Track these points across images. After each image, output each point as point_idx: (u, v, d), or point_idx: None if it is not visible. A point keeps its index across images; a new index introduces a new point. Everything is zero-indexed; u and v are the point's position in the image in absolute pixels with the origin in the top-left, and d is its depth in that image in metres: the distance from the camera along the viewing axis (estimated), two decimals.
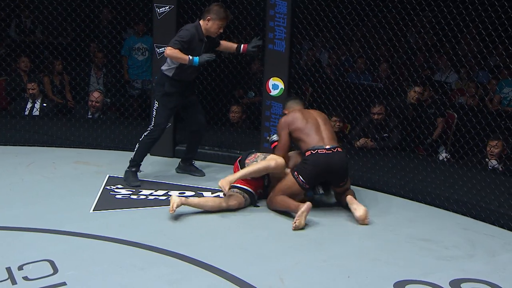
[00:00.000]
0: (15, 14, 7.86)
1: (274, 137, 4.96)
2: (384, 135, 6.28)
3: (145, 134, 5.26)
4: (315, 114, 4.87)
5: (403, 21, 5.52)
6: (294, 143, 4.88)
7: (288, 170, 4.74)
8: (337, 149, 4.61)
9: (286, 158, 4.80)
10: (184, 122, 5.67)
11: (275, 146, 4.89)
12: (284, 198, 4.56)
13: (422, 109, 6.38)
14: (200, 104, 5.61)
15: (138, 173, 5.28)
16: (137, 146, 5.26)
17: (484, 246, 4.26)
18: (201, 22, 5.07)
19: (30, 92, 7.05)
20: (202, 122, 5.47)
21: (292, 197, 4.56)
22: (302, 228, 4.34)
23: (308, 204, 4.37)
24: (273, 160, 4.66)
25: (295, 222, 4.32)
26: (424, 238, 4.29)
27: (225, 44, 5.46)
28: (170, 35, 5.89)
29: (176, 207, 4.38)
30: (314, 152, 4.56)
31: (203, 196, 4.98)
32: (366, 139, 6.21)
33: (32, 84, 7.05)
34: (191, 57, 4.92)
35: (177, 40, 4.95)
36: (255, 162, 4.76)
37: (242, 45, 5.34)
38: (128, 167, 5.25)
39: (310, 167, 4.55)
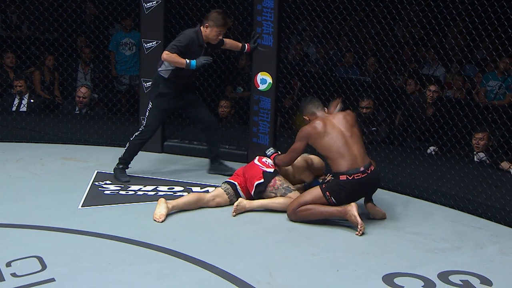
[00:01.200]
0: (0, 9, 7.80)
1: (271, 151, 4.81)
2: (372, 129, 6.31)
3: (136, 134, 5.22)
4: (339, 122, 4.44)
5: (390, 15, 5.53)
6: (318, 154, 4.67)
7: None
8: (370, 169, 4.33)
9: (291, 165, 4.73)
10: (191, 123, 5.64)
11: (274, 157, 4.72)
12: (320, 207, 4.35)
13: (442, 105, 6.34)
14: (201, 100, 5.50)
15: (126, 170, 5.26)
16: (127, 145, 5.23)
17: (471, 238, 4.29)
18: (201, 28, 5.03)
19: (17, 89, 7.01)
20: (207, 118, 5.37)
21: None
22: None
23: (354, 204, 4.26)
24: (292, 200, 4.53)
25: (360, 229, 4.20)
26: (412, 231, 4.32)
27: (229, 43, 5.42)
28: (158, 30, 5.90)
29: (164, 219, 4.34)
30: (350, 178, 4.26)
31: (192, 191, 4.98)
32: None
33: (20, 81, 7.00)
34: (188, 61, 4.90)
35: (175, 45, 4.94)
36: (275, 197, 4.59)
37: (246, 44, 5.33)
38: (116, 164, 5.23)
39: (346, 193, 4.29)
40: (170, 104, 5.20)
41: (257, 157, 4.82)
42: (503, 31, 4.78)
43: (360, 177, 4.27)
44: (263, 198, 4.62)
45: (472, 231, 4.44)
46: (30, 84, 7.30)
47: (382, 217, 4.52)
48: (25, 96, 7.08)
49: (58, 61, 7.32)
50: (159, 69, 5.13)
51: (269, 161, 4.71)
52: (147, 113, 5.19)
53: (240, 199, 4.58)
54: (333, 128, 4.38)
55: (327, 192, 4.32)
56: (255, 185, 4.60)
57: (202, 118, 5.36)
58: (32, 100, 7.07)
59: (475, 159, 5.73)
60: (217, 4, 6.47)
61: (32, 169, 5.41)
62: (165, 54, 4.92)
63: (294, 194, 4.55)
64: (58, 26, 6.99)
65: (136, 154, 5.28)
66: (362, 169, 4.29)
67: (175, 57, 4.90)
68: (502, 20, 4.76)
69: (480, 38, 5.05)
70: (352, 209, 4.22)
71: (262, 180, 4.60)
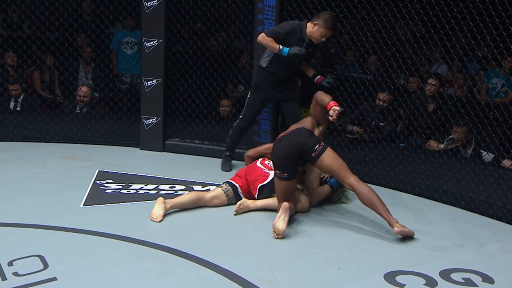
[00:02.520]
0: (1, 9, 7.80)
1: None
2: (380, 123, 6.33)
3: (236, 122, 5.48)
4: None
5: (391, 13, 5.52)
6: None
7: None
8: (298, 128, 4.42)
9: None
10: (283, 117, 5.72)
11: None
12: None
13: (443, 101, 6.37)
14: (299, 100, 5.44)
15: (231, 157, 5.59)
16: (230, 131, 5.53)
17: (473, 236, 4.29)
18: (308, 24, 4.99)
19: (13, 93, 7.03)
20: (296, 118, 5.25)
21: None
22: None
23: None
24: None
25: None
26: (414, 229, 4.29)
27: (306, 66, 5.30)
28: (159, 29, 5.90)
29: (161, 219, 4.34)
30: None
31: (194, 190, 4.97)
32: (358, 128, 6.25)
33: (15, 85, 7.02)
34: (281, 47, 4.90)
35: (274, 30, 5.00)
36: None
37: (318, 76, 5.18)
38: (224, 151, 5.60)
39: (273, 152, 4.47)
40: (268, 95, 5.31)
41: (259, 159, 4.81)
42: (505, 29, 4.77)
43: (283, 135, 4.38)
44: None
45: (473, 229, 4.44)
46: (25, 87, 7.29)
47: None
48: (20, 98, 7.10)
49: (59, 60, 7.32)
50: (261, 59, 5.21)
51: (271, 163, 4.63)
52: (246, 102, 5.43)
53: (243, 199, 4.58)
54: None
55: None
56: (258, 187, 4.58)
57: (291, 115, 5.30)
58: (19, 100, 7.07)
59: (463, 153, 5.79)
60: (217, 3, 6.47)
61: (33, 168, 5.41)
62: (261, 36, 4.97)
63: (298, 194, 4.53)
64: (59, 25, 6.99)
65: (237, 140, 5.61)
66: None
67: (269, 41, 4.93)
68: (503, 18, 4.75)
69: (481, 35, 5.04)
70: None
71: (265, 182, 4.57)
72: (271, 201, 4.54)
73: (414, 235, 4.13)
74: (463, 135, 5.78)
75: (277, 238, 4.06)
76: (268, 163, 4.70)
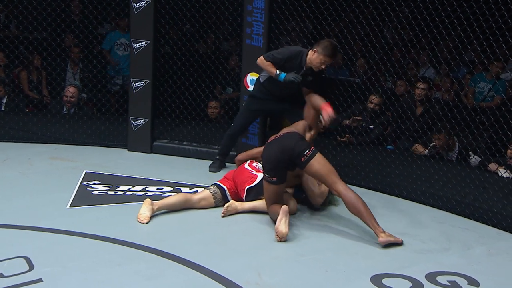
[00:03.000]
0: None
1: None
2: (370, 126, 6.36)
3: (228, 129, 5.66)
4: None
5: (379, 17, 5.55)
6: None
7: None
8: (288, 132, 4.40)
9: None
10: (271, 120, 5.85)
11: None
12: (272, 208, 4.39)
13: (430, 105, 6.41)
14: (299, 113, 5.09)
15: (223, 161, 5.68)
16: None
17: (459, 239, 4.32)
18: (309, 51, 4.92)
19: None
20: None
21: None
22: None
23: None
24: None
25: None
26: (400, 232, 4.32)
27: (306, 91, 4.99)
28: (147, 30, 5.89)
29: (148, 220, 4.32)
30: None
31: (181, 191, 4.97)
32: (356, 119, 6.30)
33: None
34: (278, 72, 4.93)
35: (272, 54, 5.01)
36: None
37: (323, 118, 4.72)
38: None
39: (263, 156, 4.48)
40: (262, 105, 5.33)
41: (247, 162, 4.81)
42: (492, 34, 4.81)
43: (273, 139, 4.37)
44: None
45: (459, 232, 4.46)
46: (13, 86, 7.25)
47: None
48: (5, 98, 7.06)
49: (47, 61, 7.28)
50: (261, 73, 5.25)
51: (259, 165, 4.67)
52: (239, 111, 5.54)
53: (231, 200, 4.57)
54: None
55: None
56: (246, 189, 4.58)
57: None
58: (3, 102, 7.03)
59: (448, 157, 5.84)
60: (206, 5, 6.47)
61: (20, 169, 5.38)
62: (259, 59, 5.02)
63: (286, 197, 4.51)
64: (47, 25, 6.95)
65: (229, 145, 5.67)
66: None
67: (267, 65, 4.98)
68: (490, 23, 4.79)
69: (468, 40, 5.08)
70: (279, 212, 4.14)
71: (253, 184, 4.57)
72: (259, 204, 4.53)
73: (402, 242, 4.13)
74: (444, 141, 5.84)
75: (280, 241, 4.06)
76: (256, 165, 4.71)
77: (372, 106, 6.39)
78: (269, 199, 4.34)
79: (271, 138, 4.43)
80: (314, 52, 4.86)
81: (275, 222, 4.16)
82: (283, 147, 4.23)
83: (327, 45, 4.82)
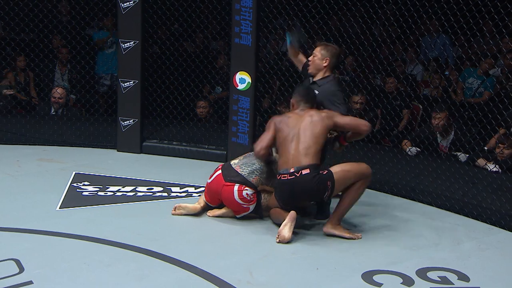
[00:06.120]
0: None
1: None
2: None
3: None
4: (304, 120, 4.16)
5: (367, 14, 5.57)
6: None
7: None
8: (301, 172, 4.02)
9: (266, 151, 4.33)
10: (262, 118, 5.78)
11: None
12: (276, 210, 4.30)
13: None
14: None
15: None
16: None
17: (449, 235, 4.33)
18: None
19: None
20: None
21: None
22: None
23: (292, 213, 4.07)
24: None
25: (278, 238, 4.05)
26: (391, 228, 4.35)
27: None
28: (135, 30, 5.87)
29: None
30: (279, 178, 4.13)
31: (172, 191, 4.96)
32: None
33: None
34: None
35: None
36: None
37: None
38: None
39: (278, 194, 4.20)
40: None
41: (236, 192, 4.31)
42: (479, 29, 4.84)
43: (286, 178, 4.06)
44: None
45: (449, 227, 4.48)
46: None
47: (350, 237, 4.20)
48: None
49: (34, 62, 7.24)
50: None
51: (250, 192, 4.32)
52: None
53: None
54: (292, 126, 4.16)
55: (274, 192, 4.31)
56: (242, 215, 4.41)
57: None
58: None
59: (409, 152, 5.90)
60: (194, 4, 6.45)
61: (8, 171, 5.34)
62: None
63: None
64: (34, 26, 6.91)
65: None
66: (291, 170, 4.04)
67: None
68: (477, 19, 4.82)
69: (456, 36, 5.10)
70: (286, 217, 4.06)
71: (248, 212, 4.39)
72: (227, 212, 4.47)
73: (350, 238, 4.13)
74: (444, 121, 5.80)
75: (279, 243, 4.03)
76: (247, 195, 4.33)
77: (357, 106, 6.36)
78: (273, 205, 4.34)
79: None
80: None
81: (275, 223, 4.20)
82: (303, 191, 4.07)
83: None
